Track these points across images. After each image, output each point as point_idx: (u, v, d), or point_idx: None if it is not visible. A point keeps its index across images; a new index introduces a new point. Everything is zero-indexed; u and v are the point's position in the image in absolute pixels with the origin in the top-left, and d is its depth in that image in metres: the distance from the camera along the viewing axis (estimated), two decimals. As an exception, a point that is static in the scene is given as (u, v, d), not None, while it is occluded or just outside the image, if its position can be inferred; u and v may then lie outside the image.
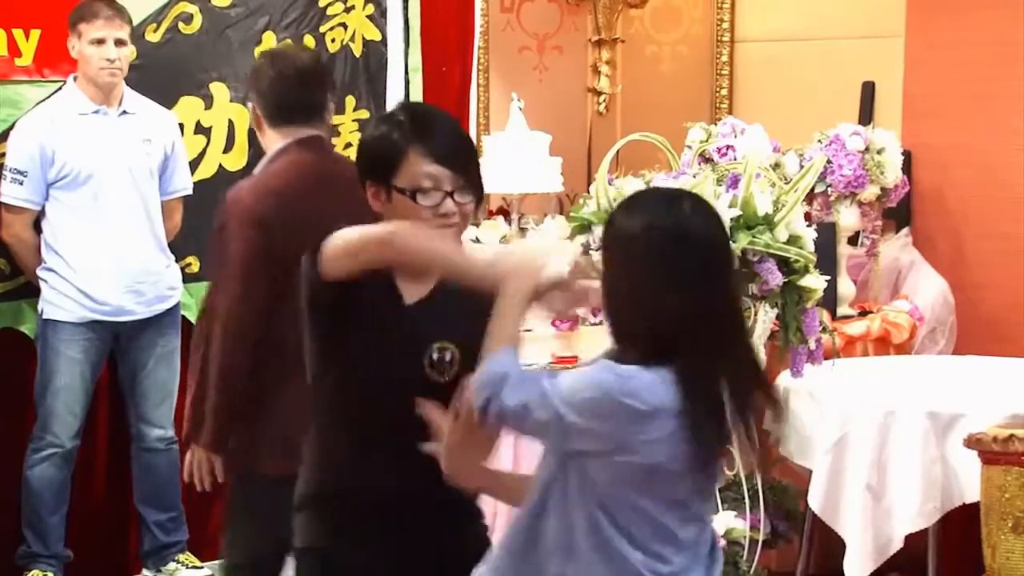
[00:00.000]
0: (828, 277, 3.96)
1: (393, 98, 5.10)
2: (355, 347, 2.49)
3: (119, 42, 4.35)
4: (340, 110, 5.04)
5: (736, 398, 2.21)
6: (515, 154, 5.15)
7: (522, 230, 5.13)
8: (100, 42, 4.32)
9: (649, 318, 2.18)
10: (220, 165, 4.87)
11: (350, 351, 2.50)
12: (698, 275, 2.18)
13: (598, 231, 3.70)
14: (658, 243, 2.18)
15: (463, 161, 2.50)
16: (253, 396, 3.34)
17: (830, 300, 4.60)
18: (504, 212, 5.26)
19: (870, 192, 5.03)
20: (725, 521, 3.90)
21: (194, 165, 4.77)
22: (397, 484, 2.48)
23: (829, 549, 4.15)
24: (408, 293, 2.51)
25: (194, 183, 4.72)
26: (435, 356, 2.50)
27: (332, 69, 4.86)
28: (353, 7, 5.13)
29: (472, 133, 5.63)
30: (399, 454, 2.45)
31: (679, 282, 2.16)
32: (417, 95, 5.34)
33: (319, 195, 3.31)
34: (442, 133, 2.51)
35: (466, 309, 2.39)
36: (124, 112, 4.46)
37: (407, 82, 5.31)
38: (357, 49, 5.12)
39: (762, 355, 3.88)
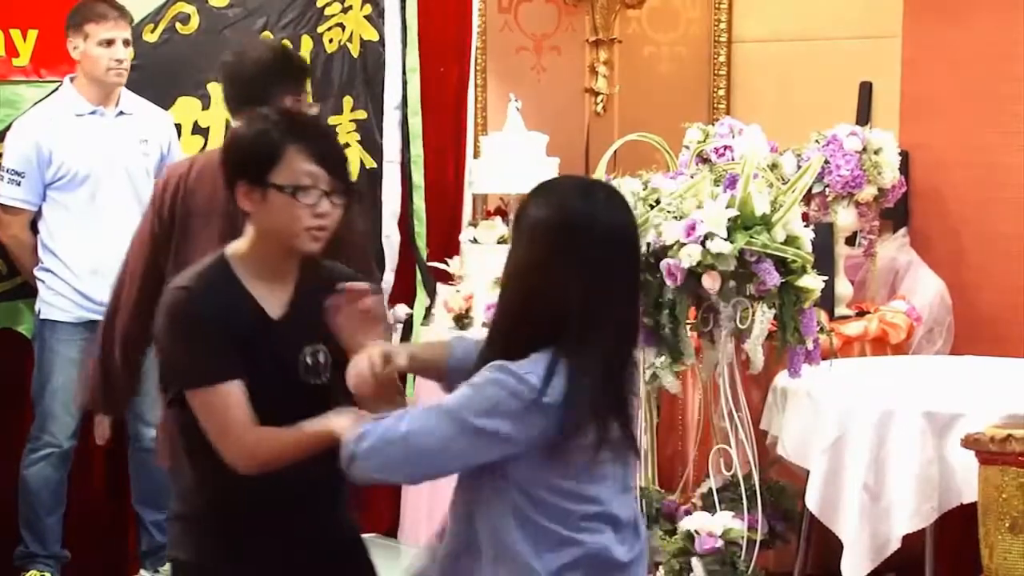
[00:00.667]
0: (826, 277, 3.96)
1: (391, 98, 5.10)
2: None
3: (125, 42, 4.36)
4: (338, 110, 5.04)
5: (608, 387, 2.25)
6: (512, 154, 5.15)
7: (520, 230, 5.12)
8: (110, 43, 4.32)
9: (546, 300, 2.21)
10: (218, 165, 4.87)
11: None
12: (600, 264, 2.22)
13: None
14: (567, 228, 2.23)
15: (339, 163, 2.53)
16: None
17: (827, 300, 4.60)
18: (502, 212, 5.26)
19: (867, 192, 5.03)
20: (723, 521, 3.91)
21: (192, 165, 4.77)
22: (288, 497, 2.49)
23: (827, 549, 4.15)
24: (271, 308, 2.52)
25: (192, 183, 4.72)
26: (308, 360, 2.51)
27: (296, 62, 4.85)
28: (351, 7, 5.13)
29: (469, 133, 5.63)
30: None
31: (579, 268, 2.21)
32: (415, 95, 5.34)
33: (211, 184, 3.37)
34: (318, 134, 2.55)
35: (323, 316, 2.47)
36: (121, 113, 4.46)
37: (405, 82, 5.31)
38: (355, 49, 5.12)
39: (760, 355, 3.89)
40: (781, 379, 4.24)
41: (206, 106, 4.83)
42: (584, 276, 2.21)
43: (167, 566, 4.60)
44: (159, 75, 4.70)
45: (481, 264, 5.03)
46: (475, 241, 5.11)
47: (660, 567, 3.90)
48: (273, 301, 2.53)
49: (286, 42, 4.94)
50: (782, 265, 3.75)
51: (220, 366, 2.42)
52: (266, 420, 2.43)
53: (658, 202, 3.83)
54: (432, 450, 2.22)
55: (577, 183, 2.45)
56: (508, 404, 2.19)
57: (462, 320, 4.94)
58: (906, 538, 3.89)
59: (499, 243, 5.06)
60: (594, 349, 2.21)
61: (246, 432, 2.41)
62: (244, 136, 2.54)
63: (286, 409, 2.43)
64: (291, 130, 2.48)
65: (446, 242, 5.28)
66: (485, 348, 2.32)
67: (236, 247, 2.54)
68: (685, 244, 3.69)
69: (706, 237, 3.67)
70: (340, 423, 2.33)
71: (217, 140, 4.86)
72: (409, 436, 2.22)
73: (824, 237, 4.73)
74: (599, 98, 6.29)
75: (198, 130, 4.82)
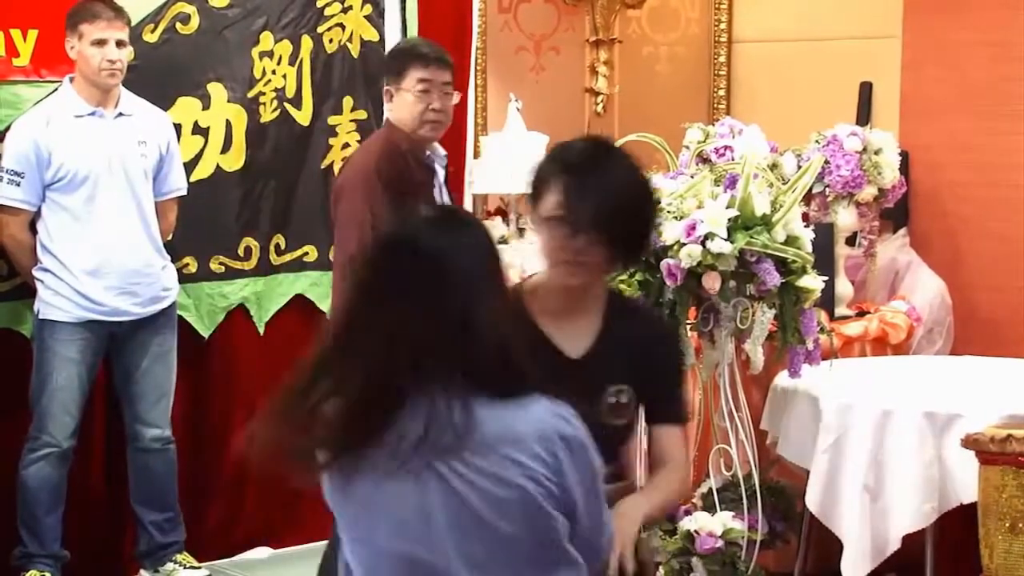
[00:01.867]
0: (826, 277, 3.96)
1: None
2: None
3: (120, 43, 4.35)
4: (338, 110, 5.04)
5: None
6: (513, 154, 5.15)
7: (520, 230, 5.13)
8: (102, 43, 4.31)
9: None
10: (218, 165, 4.87)
11: None
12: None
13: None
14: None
15: (593, 200, 2.48)
16: None
17: (828, 300, 4.60)
18: (502, 212, 5.26)
19: (867, 193, 5.03)
20: (723, 521, 3.90)
21: (192, 165, 4.77)
22: None
23: (826, 549, 4.15)
24: (569, 349, 2.52)
25: (192, 183, 4.72)
26: (612, 400, 2.49)
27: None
28: (351, 7, 5.13)
29: (470, 133, 5.63)
30: None
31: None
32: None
33: None
34: (581, 170, 2.53)
35: (632, 357, 2.49)
36: (120, 114, 4.45)
37: (404, 82, 5.31)
38: (355, 50, 5.12)
39: (760, 355, 3.89)
40: (781, 379, 4.24)
41: (206, 106, 4.83)
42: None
43: (167, 566, 4.62)
44: (159, 75, 4.70)
45: (481, 264, 5.02)
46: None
47: (660, 567, 3.89)
48: (573, 338, 2.53)
49: (285, 43, 4.96)
50: (782, 265, 3.75)
51: None
52: None
53: (658, 202, 3.83)
54: None
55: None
56: None
57: (462, 320, 4.93)
58: (906, 538, 3.89)
59: (499, 243, 5.05)
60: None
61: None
62: (535, 164, 2.59)
63: None
64: (558, 164, 2.51)
65: (446, 242, 5.27)
66: None
67: (533, 282, 2.59)
68: (685, 244, 3.69)
69: (706, 237, 3.67)
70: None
71: (217, 140, 4.86)
72: None
73: (824, 237, 4.73)
74: (599, 98, 6.30)
75: (198, 130, 4.82)
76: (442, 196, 4.14)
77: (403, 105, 4.04)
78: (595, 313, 2.54)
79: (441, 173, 4.17)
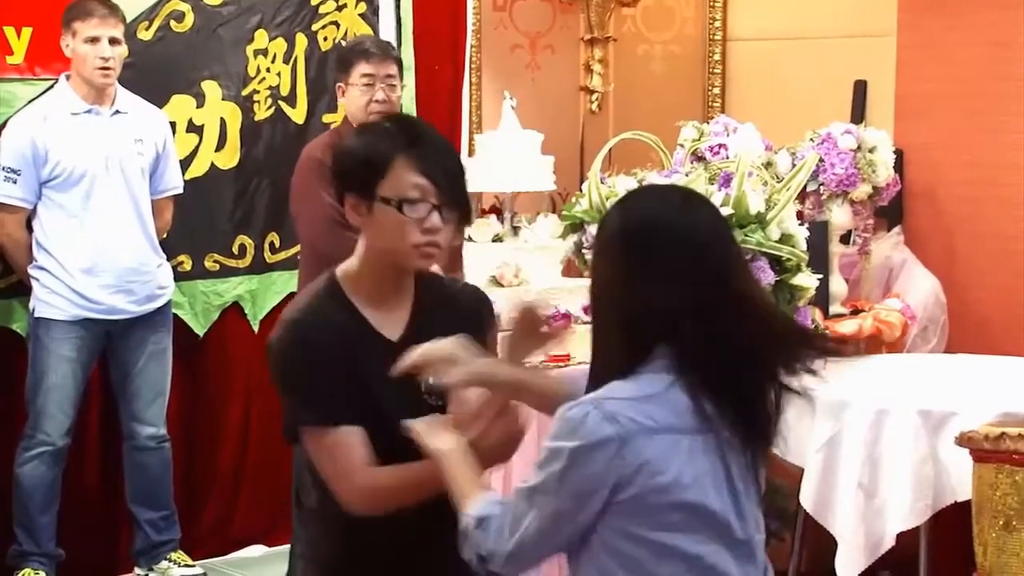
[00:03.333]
0: (820, 275, 3.97)
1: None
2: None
3: (113, 40, 4.35)
4: (332, 108, 5.04)
5: (757, 374, 2.10)
6: (507, 152, 5.14)
7: (514, 229, 5.13)
8: (95, 40, 4.31)
9: (635, 311, 2.04)
10: (212, 163, 4.87)
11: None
12: (683, 266, 2.05)
13: (591, 229, 3.71)
14: (640, 234, 2.07)
15: (451, 176, 2.35)
16: None
17: (822, 298, 4.60)
18: (496, 211, 5.25)
19: (862, 191, 5.03)
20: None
21: (186, 163, 4.77)
22: (411, 537, 2.36)
23: (821, 547, 4.16)
24: (389, 330, 2.39)
25: (186, 181, 4.72)
26: (432, 380, 2.34)
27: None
28: (345, 5, 5.13)
29: (464, 131, 5.63)
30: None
31: (659, 273, 2.04)
32: (409, 93, 5.34)
33: None
34: (431, 144, 2.37)
35: (451, 331, 2.33)
36: (117, 112, 4.45)
37: (399, 80, 5.31)
38: (349, 47, 5.12)
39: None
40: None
41: (200, 104, 4.83)
42: (670, 279, 2.04)
43: (162, 564, 4.62)
44: (153, 73, 4.70)
45: (476, 262, 5.03)
46: (470, 239, 5.10)
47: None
48: (391, 322, 2.38)
49: (280, 41, 4.96)
50: (777, 263, 3.76)
51: (334, 406, 2.28)
52: (392, 444, 2.28)
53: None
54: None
55: (652, 188, 2.33)
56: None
57: (457, 318, 4.93)
58: (900, 536, 3.90)
59: (494, 241, 5.05)
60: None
61: (362, 476, 2.28)
62: (353, 146, 2.39)
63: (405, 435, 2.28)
64: (402, 139, 2.33)
65: (441, 240, 5.28)
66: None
67: (347, 267, 2.41)
68: (680, 242, 3.69)
69: (701, 235, 3.67)
70: (446, 443, 2.23)
71: (211, 138, 4.86)
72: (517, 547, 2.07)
73: (818, 235, 4.73)
74: (594, 96, 6.29)
75: (192, 128, 4.82)
76: None
77: (351, 100, 4.24)
78: (408, 294, 2.41)
79: None
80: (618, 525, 2.02)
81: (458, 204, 2.36)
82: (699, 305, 2.03)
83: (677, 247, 2.06)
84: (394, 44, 5.19)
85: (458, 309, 2.47)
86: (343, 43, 4.81)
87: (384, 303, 2.39)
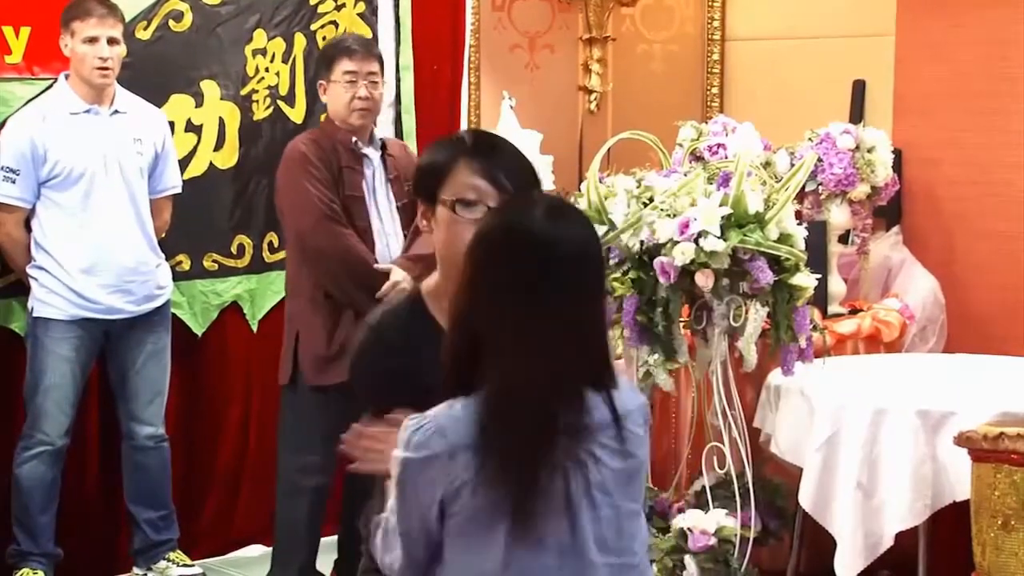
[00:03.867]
0: (819, 275, 3.96)
1: (384, 96, 5.10)
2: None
3: (112, 40, 4.35)
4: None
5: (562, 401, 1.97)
6: (506, 152, 5.14)
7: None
8: (93, 40, 4.31)
9: (467, 326, 1.98)
10: (211, 163, 4.87)
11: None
12: (517, 279, 1.96)
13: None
14: (478, 248, 2.00)
15: (517, 179, 2.29)
16: None
17: (821, 298, 4.60)
18: (495, 210, 5.25)
19: (860, 190, 5.04)
20: (716, 519, 3.91)
21: (185, 163, 4.77)
22: None
23: (820, 547, 4.16)
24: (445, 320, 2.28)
25: (185, 181, 4.72)
26: None
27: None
28: (344, 5, 5.13)
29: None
30: None
31: (494, 286, 1.96)
32: (408, 93, 5.34)
33: None
34: (498, 149, 2.35)
35: None
36: (116, 111, 4.45)
37: (398, 80, 5.31)
38: (348, 47, 5.11)
39: (753, 353, 3.89)
40: (774, 377, 4.24)
41: (199, 104, 4.83)
42: (500, 294, 1.96)
43: (160, 564, 4.62)
44: (152, 73, 4.70)
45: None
46: (468, 239, 5.10)
47: (653, 565, 3.90)
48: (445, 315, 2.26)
49: (278, 40, 4.96)
50: (775, 263, 3.75)
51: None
52: None
53: (652, 200, 3.83)
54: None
55: (520, 199, 2.20)
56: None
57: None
58: (899, 536, 3.90)
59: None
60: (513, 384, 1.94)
61: None
62: (423, 155, 2.42)
63: None
64: (471, 145, 2.33)
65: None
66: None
67: (430, 281, 2.37)
68: (679, 242, 3.69)
69: (699, 235, 3.67)
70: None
71: (210, 138, 4.86)
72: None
73: (817, 235, 4.73)
74: (593, 96, 6.29)
75: (191, 128, 4.82)
76: (374, 181, 4.29)
77: (334, 97, 4.27)
78: None
79: (375, 157, 4.31)
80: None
81: None
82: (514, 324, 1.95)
83: (522, 258, 1.97)
84: (393, 43, 5.20)
85: None
86: (328, 42, 4.81)
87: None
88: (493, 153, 2.34)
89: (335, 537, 4.50)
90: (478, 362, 1.97)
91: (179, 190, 4.67)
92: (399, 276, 4.14)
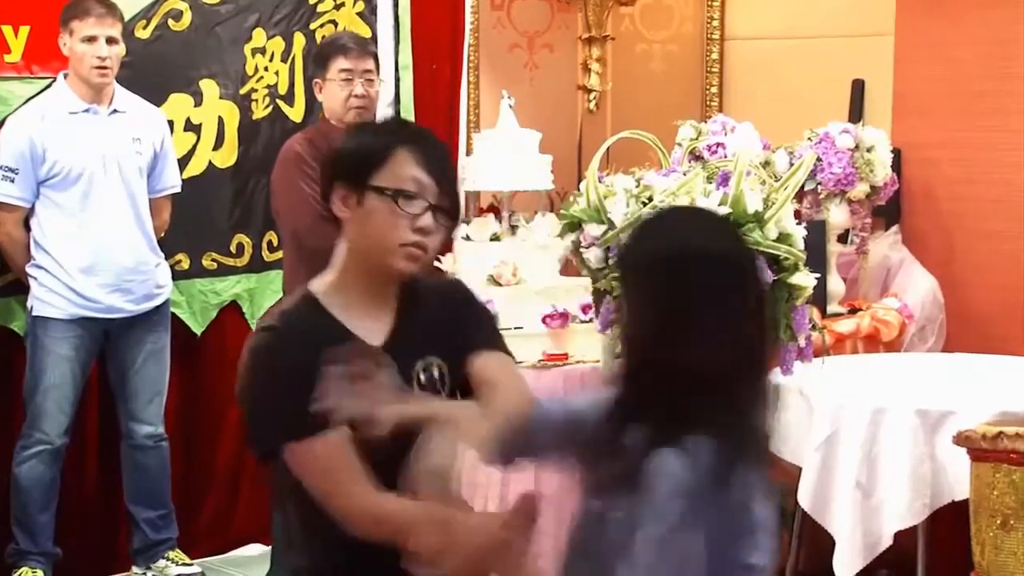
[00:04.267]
0: (818, 275, 3.96)
1: (384, 96, 5.10)
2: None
3: (111, 40, 4.34)
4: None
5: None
6: (505, 151, 5.14)
7: (512, 227, 5.13)
8: (92, 40, 4.31)
9: (700, 360, 1.89)
10: (210, 162, 4.87)
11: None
12: (743, 308, 1.92)
13: (589, 228, 3.71)
14: (720, 270, 1.92)
15: (450, 178, 2.23)
16: None
17: (820, 298, 4.61)
18: (494, 210, 5.25)
19: (859, 190, 5.04)
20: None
21: (184, 162, 4.77)
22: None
23: (819, 546, 4.16)
24: (371, 336, 2.22)
25: (184, 180, 4.72)
26: (422, 377, 2.20)
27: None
28: (343, 4, 5.13)
29: (462, 130, 5.63)
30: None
31: (733, 316, 1.90)
32: (407, 93, 5.34)
33: None
34: (433, 143, 2.25)
35: (437, 329, 2.22)
36: (115, 111, 4.45)
37: (397, 80, 5.31)
38: (347, 46, 5.11)
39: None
40: (773, 376, 4.23)
41: (198, 103, 4.83)
42: (732, 323, 1.91)
43: (159, 563, 4.62)
44: (151, 72, 4.70)
45: (474, 262, 5.03)
46: (468, 239, 5.10)
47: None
48: (373, 329, 2.22)
49: (279, 39, 4.96)
50: (774, 262, 3.75)
51: (317, 416, 2.07)
52: (387, 451, 2.09)
53: (651, 199, 3.83)
54: None
55: (687, 212, 2.21)
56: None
57: (455, 317, 4.92)
58: (898, 535, 3.90)
59: (492, 240, 5.05)
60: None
61: (366, 497, 2.09)
62: (350, 140, 2.27)
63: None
64: (405, 133, 2.23)
65: (439, 240, 5.28)
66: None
67: (322, 281, 2.27)
68: (678, 241, 3.68)
69: (699, 234, 3.67)
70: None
71: (209, 137, 4.86)
72: None
73: (816, 235, 4.73)
74: (592, 95, 6.29)
75: (190, 127, 4.82)
76: None
77: (329, 95, 4.27)
78: (390, 299, 2.25)
79: None
80: None
81: (452, 209, 2.23)
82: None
83: (746, 286, 1.94)
84: (392, 43, 5.20)
85: (440, 304, 2.31)
86: (323, 40, 4.81)
87: (365, 311, 2.22)
88: (430, 145, 2.22)
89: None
90: (689, 395, 1.89)
91: (178, 189, 4.67)
92: None
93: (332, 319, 2.21)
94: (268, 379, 2.16)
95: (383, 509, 2.10)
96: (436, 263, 4.72)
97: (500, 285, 4.91)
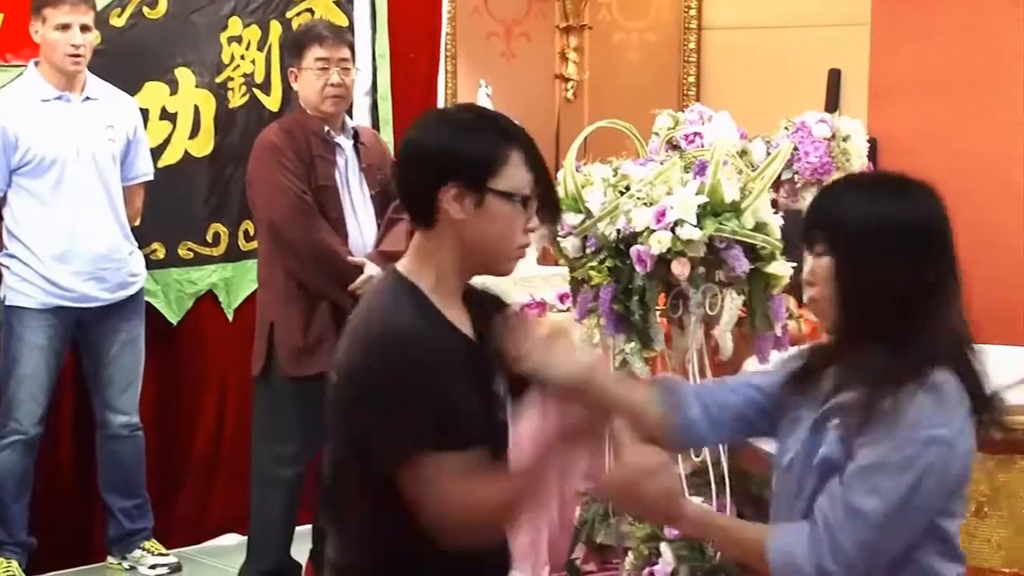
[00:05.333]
0: (794, 264, 3.97)
1: (361, 84, 5.09)
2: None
3: (84, 28, 4.32)
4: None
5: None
6: (483, 141, 5.14)
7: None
8: (65, 27, 4.28)
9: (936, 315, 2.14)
10: (186, 151, 4.85)
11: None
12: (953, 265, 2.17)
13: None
14: (934, 230, 2.19)
15: (550, 178, 2.22)
16: None
17: (796, 287, 4.59)
18: (471, 199, 5.25)
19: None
20: (692, 507, 3.91)
21: (159, 151, 4.75)
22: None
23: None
24: (465, 331, 2.19)
25: (160, 169, 4.70)
26: (500, 391, 2.18)
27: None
28: (319, -8, 5.11)
29: (439, 119, 5.61)
30: None
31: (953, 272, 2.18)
32: (384, 81, 5.33)
33: None
34: (533, 142, 2.20)
35: (493, 325, 2.19)
36: (87, 98, 4.43)
37: (374, 68, 5.30)
38: (324, 35, 5.09)
39: (729, 341, 3.90)
40: (750, 365, 4.25)
41: (174, 91, 4.80)
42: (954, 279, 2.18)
43: (135, 553, 4.61)
44: (126, 60, 4.67)
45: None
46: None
47: (629, 552, 3.90)
48: (462, 322, 2.18)
49: (255, 28, 4.94)
50: (751, 251, 3.76)
51: (443, 428, 2.03)
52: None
53: (628, 188, 3.83)
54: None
55: (892, 178, 2.32)
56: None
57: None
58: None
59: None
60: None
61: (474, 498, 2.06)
62: (459, 132, 2.16)
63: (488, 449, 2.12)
64: (514, 133, 2.17)
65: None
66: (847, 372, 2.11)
67: (417, 266, 2.18)
68: (655, 231, 3.69)
69: (676, 224, 3.67)
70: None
71: (185, 126, 4.83)
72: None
73: (793, 224, 4.72)
74: (569, 84, 6.29)
75: (166, 115, 4.79)
76: (347, 171, 4.26)
77: (306, 84, 4.24)
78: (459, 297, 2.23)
79: (348, 146, 4.27)
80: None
81: (554, 208, 2.25)
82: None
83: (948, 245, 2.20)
84: (369, 31, 5.19)
85: (485, 300, 2.29)
86: (298, 28, 4.79)
87: (455, 310, 2.19)
88: (534, 145, 2.20)
89: (310, 526, 4.50)
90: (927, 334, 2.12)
91: (151, 177, 4.65)
92: (373, 271, 4.12)
93: (443, 318, 2.16)
94: (403, 384, 2.06)
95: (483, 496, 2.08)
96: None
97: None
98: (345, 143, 4.28)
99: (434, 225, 2.15)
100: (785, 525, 2.11)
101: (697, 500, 3.91)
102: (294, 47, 4.34)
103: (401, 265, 2.20)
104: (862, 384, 2.05)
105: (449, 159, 2.13)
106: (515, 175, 2.13)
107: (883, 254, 2.09)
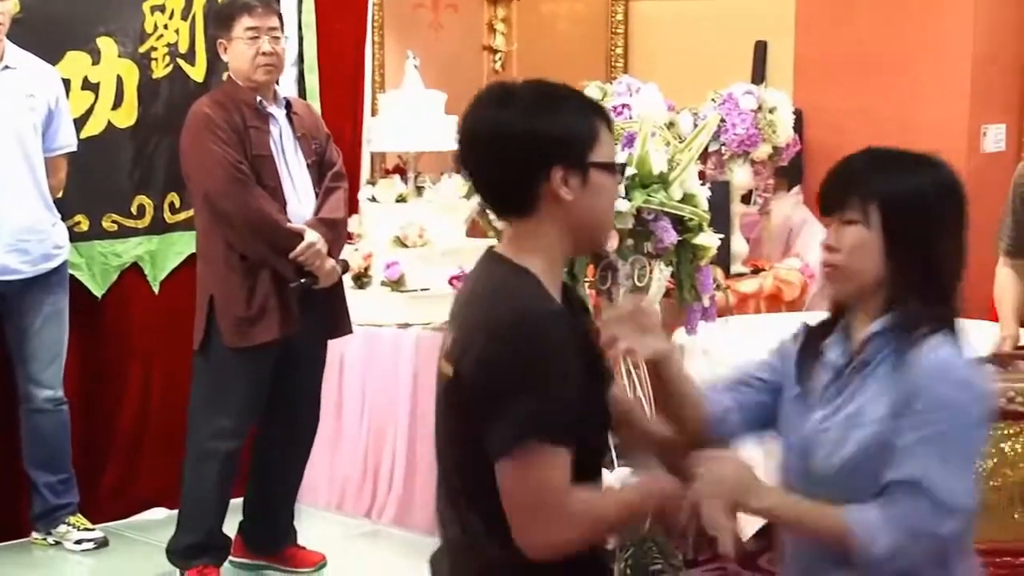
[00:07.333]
0: (721, 235, 4.00)
1: (287, 55, 5.04)
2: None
3: (1, -5, 4.24)
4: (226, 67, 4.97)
5: None
6: (411, 112, 5.12)
7: (418, 189, 5.11)
8: (-19, -4, 4.21)
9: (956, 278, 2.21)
10: (109, 122, 4.78)
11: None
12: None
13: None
14: (959, 199, 2.25)
15: None
16: None
17: (724, 258, 4.65)
18: (400, 170, 5.23)
19: (762, 151, 5.09)
20: (620, 477, 3.94)
21: (82, 122, 4.68)
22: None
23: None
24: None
25: (82, 140, 4.63)
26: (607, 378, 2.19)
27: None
28: (245, -39, 5.04)
29: (367, 91, 5.58)
30: None
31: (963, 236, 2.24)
32: (311, 52, 5.28)
33: None
34: (604, 107, 2.22)
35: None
36: (6, 67, 4.35)
37: (301, 39, 5.25)
38: (249, 4, 5.04)
39: (658, 312, 3.92)
40: (678, 336, 4.28)
41: (96, 61, 4.73)
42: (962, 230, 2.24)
43: (60, 528, 4.56)
44: (46, 29, 4.59)
45: (380, 223, 5.00)
46: (373, 200, 5.08)
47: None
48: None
49: (179, -4, 4.87)
50: (679, 223, 3.78)
51: (570, 419, 1.99)
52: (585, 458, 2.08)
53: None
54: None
55: (912, 152, 2.41)
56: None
57: (361, 279, 4.91)
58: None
59: (398, 202, 5.03)
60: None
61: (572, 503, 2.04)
62: (550, 118, 2.09)
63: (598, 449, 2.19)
64: (595, 104, 2.17)
65: (344, 200, 5.24)
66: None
67: (517, 255, 2.10)
68: (583, 202, 3.70)
69: (604, 195, 3.68)
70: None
71: (108, 96, 4.76)
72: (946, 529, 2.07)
73: (720, 195, 4.77)
74: (497, 55, 6.28)
75: (88, 86, 4.72)
76: (282, 140, 4.22)
77: (236, 54, 4.20)
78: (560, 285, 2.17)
79: (281, 116, 4.24)
80: None
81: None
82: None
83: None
84: (295, 1, 5.13)
85: (573, 299, 2.27)
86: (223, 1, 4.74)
87: (558, 291, 2.12)
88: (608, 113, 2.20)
89: (241, 500, 4.48)
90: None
91: (74, 148, 4.58)
92: (313, 238, 4.11)
93: (557, 304, 2.10)
94: (543, 368, 1.99)
95: (592, 509, 2.13)
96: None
97: (406, 246, 4.89)
98: (278, 113, 4.24)
99: (534, 211, 2.06)
100: (862, 506, 2.14)
101: (626, 471, 3.95)
102: (222, 18, 4.29)
103: (505, 254, 2.12)
104: (901, 337, 2.17)
105: (553, 142, 2.06)
106: (606, 144, 2.10)
107: (926, 221, 2.18)
